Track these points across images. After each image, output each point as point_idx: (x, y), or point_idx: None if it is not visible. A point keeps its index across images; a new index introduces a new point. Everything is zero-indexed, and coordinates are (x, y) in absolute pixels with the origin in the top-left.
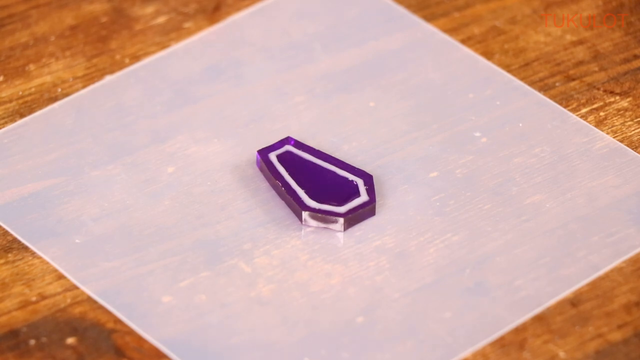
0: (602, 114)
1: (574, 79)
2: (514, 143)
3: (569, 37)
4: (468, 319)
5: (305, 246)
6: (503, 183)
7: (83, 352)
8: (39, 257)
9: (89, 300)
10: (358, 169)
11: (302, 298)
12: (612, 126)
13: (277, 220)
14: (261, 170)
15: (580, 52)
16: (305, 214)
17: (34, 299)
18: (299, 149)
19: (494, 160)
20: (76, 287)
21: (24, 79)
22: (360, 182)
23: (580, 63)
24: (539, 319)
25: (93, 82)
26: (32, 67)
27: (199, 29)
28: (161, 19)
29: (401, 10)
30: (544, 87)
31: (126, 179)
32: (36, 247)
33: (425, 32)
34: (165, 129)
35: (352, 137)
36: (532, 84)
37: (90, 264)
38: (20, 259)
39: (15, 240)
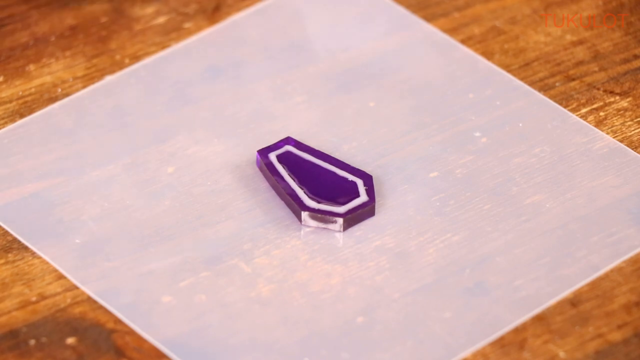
0: (602, 114)
1: (574, 79)
2: (514, 143)
3: (569, 37)
4: (468, 319)
5: (305, 246)
6: (503, 183)
7: (83, 352)
8: (39, 257)
9: (89, 300)
10: (358, 169)
11: (302, 298)
12: (612, 126)
13: (277, 220)
14: (261, 170)
15: (580, 52)
16: (304, 214)
17: (34, 299)
18: (299, 149)
19: (494, 160)
20: (76, 287)
21: (24, 79)
22: (359, 183)
23: (580, 63)
24: (539, 319)
25: (93, 82)
26: (32, 67)
27: (199, 29)
28: (161, 19)
29: (401, 10)
30: (544, 87)
31: (126, 179)
32: (36, 247)
33: (425, 32)
34: (165, 129)
35: (352, 137)
36: (532, 84)
37: (90, 264)
38: (20, 259)
39: (15, 240)
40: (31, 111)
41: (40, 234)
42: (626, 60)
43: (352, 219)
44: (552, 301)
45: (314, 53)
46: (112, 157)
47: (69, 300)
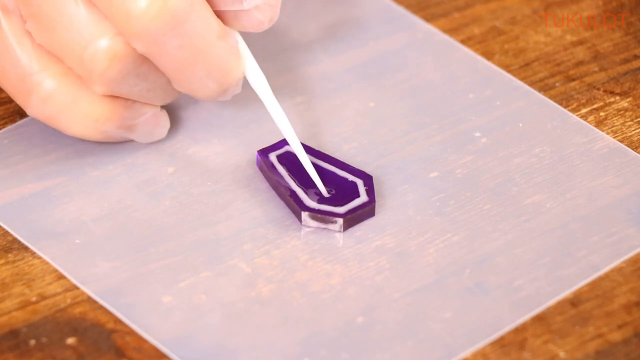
0: (602, 114)
1: (574, 79)
2: (514, 143)
3: (569, 37)
4: (468, 319)
5: (305, 246)
6: (503, 183)
7: (83, 352)
8: (39, 257)
9: (89, 300)
10: (358, 169)
11: (302, 298)
12: (612, 126)
13: (277, 220)
14: (261, 170)
15: (580, 52)
16: (304, 215)
17: (34, 299)
18: None
19: (494, 160)
20: (76, 287)
21: None
22: (359, 183)
23: (580, 63)
24: (539, 319)
25: None
26: None
27: None
28: None
29: (401, 10)
30: (544, 87)
31: (126, 179)
32: (36, 247)
33: (425, 32)
34: None
35: (352, 137)
36: (532, 84)
37: (90, 264)
38: (20, 259)
39: (15, 240)
40: None
41: (40, 234)
42: (626, 61)
43: (352, 219)
44: (552, 301)
45: (314, 53)
46: (112, 157)
47: (69, 301)
